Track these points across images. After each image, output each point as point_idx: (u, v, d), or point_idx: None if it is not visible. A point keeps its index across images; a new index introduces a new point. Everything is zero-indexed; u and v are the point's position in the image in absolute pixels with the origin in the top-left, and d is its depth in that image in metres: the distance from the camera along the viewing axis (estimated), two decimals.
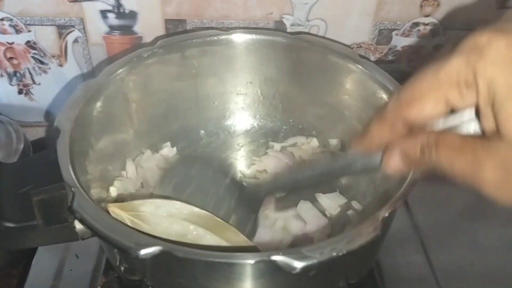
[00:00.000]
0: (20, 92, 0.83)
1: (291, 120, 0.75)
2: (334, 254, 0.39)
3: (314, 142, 0.73)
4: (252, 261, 0.40)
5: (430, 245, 0.67)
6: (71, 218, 0.47)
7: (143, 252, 0.41)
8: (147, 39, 0.77)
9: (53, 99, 0.83)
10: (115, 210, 0.50)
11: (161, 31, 0.76)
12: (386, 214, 0.42)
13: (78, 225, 0.47)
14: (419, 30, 0.79)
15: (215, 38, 0.68)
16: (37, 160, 0.53)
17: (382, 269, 0.63)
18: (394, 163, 0.40)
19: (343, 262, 0.40)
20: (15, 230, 0.46)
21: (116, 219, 0.45)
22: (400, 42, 0.80)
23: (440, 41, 0.80)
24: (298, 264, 0.39)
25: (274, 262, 0.39)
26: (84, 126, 0.56)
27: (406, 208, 0.72)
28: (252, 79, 0.74)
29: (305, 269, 0.39)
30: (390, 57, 0.82)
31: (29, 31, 0.75)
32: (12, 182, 0.49)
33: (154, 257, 0.41)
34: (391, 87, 0.59)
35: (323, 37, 0.76)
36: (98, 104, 0.60)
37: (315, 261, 0.39)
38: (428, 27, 0.78)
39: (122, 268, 0.52)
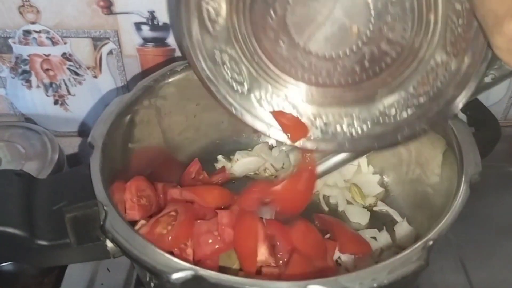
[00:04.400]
0: (55, 102, 0.84)
1: None
2: (375, 285, 0.37)
3: None
4: None
5: (470, 265, 0.64)
6: (103, 236, 0.46)
7: (175, 276, 0.40)
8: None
9: (87, 110, 0.84)
10: None
11: None
12: (431, 242, 0.40)
13: (109, 244, 0.47)
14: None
15: None
16: (70, 176, 0.53)
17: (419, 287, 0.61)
18: None
19: None
20: (48, 248, 0.46)
21: (148, 240, 0.44)
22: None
23: None
24: None
25: None
26: (117, 141, 0.56)
27: None
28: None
29: None
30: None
31: (65, 43, 0.76)
32: (45, 198, 0.49)
33: (186, 281, 0.40)
34: None
35: None
36: (131, 119, 0.59)
37: None
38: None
39: (152, 285, 0.52)
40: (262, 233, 0.54)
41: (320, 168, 0.62)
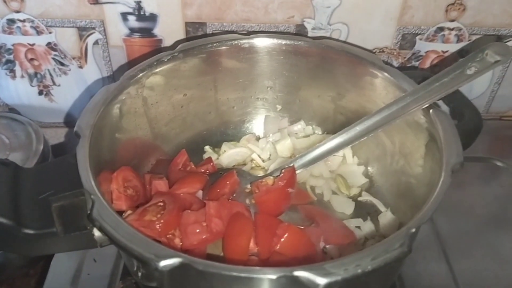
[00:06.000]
0: (40, 93, 0.83)
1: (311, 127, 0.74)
2: (359, 271, 0.38)
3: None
4: (274, 276, 0.39)
5: (452, 255, 0.65)
6: (90, 225, 0.46)
7: (163, 263, 0.40)
8: (167, 41, 0.76)
9: (73, 101, 0.84)
10: None
11: (181, 34, 0.76)
12: (413, 230, 0.41)
13: (97, 233, 0.47)
14: (443, 35, 0.77)
15: (236, 42, 0.67)
16: (57, 165, 0.53)
17: (404, 280, 0.62)
18: None
19: (367, 278, 0.39)
20: (34, 237, 0.46)
21: (136, 229, 0.44)
22: (424, 47, 0.78)
23: (465, 47, 0.78)
24: (321, 281, 0.38)
25: (296, 278, 0.38)
26: (103, 131, 0.56)
27: None
28: (273, 84, 0.72)
29: (328, 286, 0.38)
30: (413, 62, 0.80)
31: (50, 33, 0.75)
32: (31, 187, 0.49)
33: (174, 269, 0.40)
34: None
35: (346, 42, 0.75)
36: (118, 109, 0.59)
37: (339, 278, 0.38)
38: (453, 32, 0.76)
39: (140, 274, 0.52)
40: (252, 231, 0.55)
41: (305, 158, 0.63)
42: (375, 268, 0.38)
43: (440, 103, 0.59)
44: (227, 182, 0.62)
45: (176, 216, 0.54)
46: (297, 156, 0.64)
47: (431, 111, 0.56)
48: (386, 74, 0.61)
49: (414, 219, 0.43)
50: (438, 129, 0.54)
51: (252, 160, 0.73)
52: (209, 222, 0.55)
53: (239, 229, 0.54)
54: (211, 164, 0.68)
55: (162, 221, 0.52)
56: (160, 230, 0.51)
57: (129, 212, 0.55)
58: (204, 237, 0.55)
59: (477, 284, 0.63)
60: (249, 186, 0.62)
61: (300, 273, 0.38)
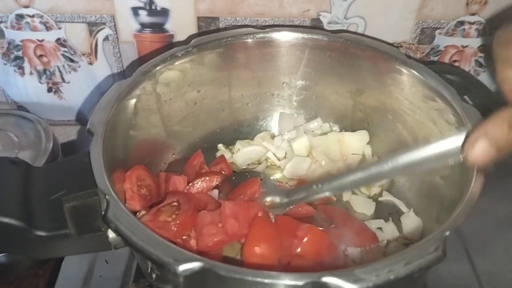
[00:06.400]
0: (49, 90, 0.81)
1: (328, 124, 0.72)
2: (392, 277, 0.35)
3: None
4: (300, 283, 0.36)
5: (475, 255, 0.64)
6: (104, 227, 0.44)
7: (182, 268, 0.38)
8: (179, 37, 0.74)
9: (82, 98, 0.82)
10: None
11: (193, 29, 0.74)
12: (448, 233, 0.38)
13: (111, 234, 0.45)
14: (464, 29, 0.74)
15: (252, 36, 0.65)
16: (69, 164, 0.51)
17: (426, 281, 0.60)
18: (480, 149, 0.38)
19: (397, 285, 0.37)
20: (46, 239, 0.44)
21: (153, 231, 0.42)
22: (443, 41, 0.75)
23: (486, 41, 0.76)
24: (352, 287, 0.35)
25: (324, 284, 0.36)
26: (117, 128, 0.54)
27: None
28: (289, 79, 0.70)
29: None
30: (432, 57, 0.78)
31: (59, 28, 0.74)
32: (43, 187, 0.47)
33: (193, 274, 0.38)
34: (443, 91, 0.55)
35: (365, 36, 0.72)
36: (131, 106, 0.57)
37: (370, 284, 0.35)
38: (474, 26, 0.74)
39: (154, 276, 0.50)
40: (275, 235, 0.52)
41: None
42: (408, 273, 0.36)
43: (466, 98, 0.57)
44: (248, 191, 0.59)
45: (192, 217, 0.52)
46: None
47: (459, 107, 0.53)
48: (410, 69, 0.59)
49: (448, 221, 0.40)
50: (467, 126, 0.51)
51: (267, 158, 0.70)
52: (224, 223, 0.53)
53: (261, 232, 0.52)
54: (225, 163, 0.66)
55: (177, 221, 0.50)
56: (176, 231, 0.49)
57: (143, 212, 0.54)
58: (219, 238, 0.52)
59: (501, 284, 0.61)
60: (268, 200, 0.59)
61: (328, 279, 0.36)
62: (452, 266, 0.63)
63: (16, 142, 0.71)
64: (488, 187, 0.73)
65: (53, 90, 0.81)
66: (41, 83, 0.80)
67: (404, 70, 0.60)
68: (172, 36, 0.75)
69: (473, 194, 0.43)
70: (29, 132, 0.73)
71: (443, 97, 0.55)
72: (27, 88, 0.81)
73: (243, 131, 0.73)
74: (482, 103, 0.59)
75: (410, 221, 0.60)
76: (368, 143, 0.69)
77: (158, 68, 0.60)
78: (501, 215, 0.69)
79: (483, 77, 0.79)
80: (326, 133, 0.71)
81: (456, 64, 0.78)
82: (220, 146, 0.72)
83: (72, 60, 0.77)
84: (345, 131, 0.71)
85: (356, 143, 0.68)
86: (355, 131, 0.69)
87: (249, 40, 0.65)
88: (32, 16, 0.72)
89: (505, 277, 0.62)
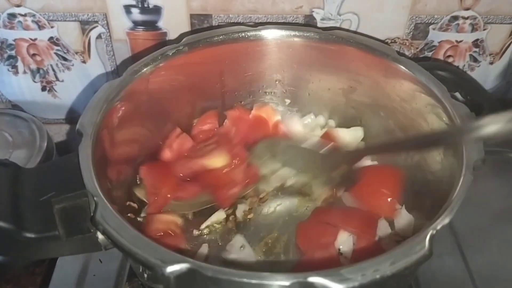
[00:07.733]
0: (43, 89, 0.81)
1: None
2: (378, 276, 0.36)
3: None
4: (287, 283, 0.36)
5: (468, 251, 0.64)
6: (93, 228, 0.44)
7: (169, 269, 0.38)
8: (172, 34, 0.74)
9: (76, 97, 0.82)
10: None
11: (186, 27, 0.73)
12: (434, 232, 0.38)
13: (101, 236, 0.45)
14: (458, 24, 0.74)
15: (243, 34, 0.65)
16: (59, 165, 0.51)
17: (418, 277, 0.60)
18: None
19: (385, 283, 0.37)
20: (36, 241, 0.44)
21: (141, 233, 0.42)
22: (437, 36, 0.75)
23: (481, 36, 0.75)
24: (338, 287, 0.35)
25: (311, 284, 0.36)
26: (107, 129, 0.54)
27: None
28: (281, 77, 0.70)
29: None
30: (426, 53, 0.78)
31: (52, 27, 0.73)
32: (33, 189, 0.47)
33: (181, 274, 0.38)
34: (434, 88, 0.54)
35: (357, 33, 0.72)
36: (122, 105, 0.57)
37: (356, 283, 0.35)
38: (468, 21, 0.73)
39: (146, 275, 0.50)
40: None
41: None
42: (394, 273, 0.36)
43: (457, 95, 0.56)
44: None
45: None
46: None
47: (449, 103, 0.53)
48: (401, 66, 0.58)
49: (434, 219, 0.40)
50: (457, 123, 0.51)
51: None
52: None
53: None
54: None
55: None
56: None
57: None
58: None
59: (494, 280, 0.61)
60: None
61: (315, 279, 0.36)
62: (444, 261, 0.62)
63: (10, 141, 0.72)
64: (483, 181, 0.73)
65: (47, 88, 0.81)
66: (35, 82, 0.80)
67: (395, 67, 0.59)
68: (165, 33, 0.74)
69: (461, 192, 0.43)
70: (23, 131, 0.73)
71: (433, 94, 0.55)
72: (21, 87, 0.81)
73: None
74: (474, 99, 0.58)
75: (402, 217, 0.59)
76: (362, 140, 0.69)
77: (148, 67, 0.60)
78: (494, 209, 0.69)
79: (478, 72, 0.79)
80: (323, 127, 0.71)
81: (451, 59, 0.78)
82: None
83: (65, 59, 0.77)
84: (339, 127, 0.70)
85: (350, 140, 0.68)
86: (348, 127, 0.69)
87: (241, 38, 0.64)
88: (24, 15, 0.72)
89: (498, 272, 0.62)
